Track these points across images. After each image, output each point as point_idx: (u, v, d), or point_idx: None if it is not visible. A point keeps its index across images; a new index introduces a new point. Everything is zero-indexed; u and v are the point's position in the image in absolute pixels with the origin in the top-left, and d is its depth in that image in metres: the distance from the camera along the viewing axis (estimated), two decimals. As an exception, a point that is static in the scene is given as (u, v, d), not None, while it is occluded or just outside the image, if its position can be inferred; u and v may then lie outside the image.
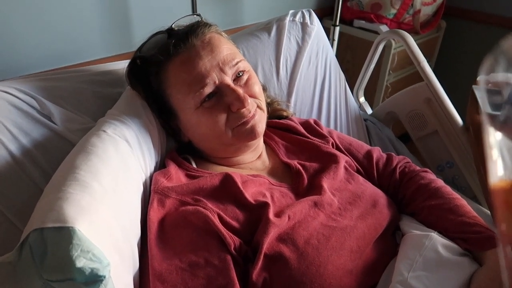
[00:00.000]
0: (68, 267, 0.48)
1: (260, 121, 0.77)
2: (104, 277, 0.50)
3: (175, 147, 0.87)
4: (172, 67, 0.74)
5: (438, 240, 0.66)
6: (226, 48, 0.75)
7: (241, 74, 0.76)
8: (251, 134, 0.75)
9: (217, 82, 0.72)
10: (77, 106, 0.83)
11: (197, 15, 0.81)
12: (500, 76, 0.21)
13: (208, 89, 0.72)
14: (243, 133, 0.75)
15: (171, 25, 0.78)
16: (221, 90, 0.73)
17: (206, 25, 0.77)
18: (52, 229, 0.49)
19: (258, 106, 0.77)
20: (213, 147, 0.81)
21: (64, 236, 0.49)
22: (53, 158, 0.75)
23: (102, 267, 0.50)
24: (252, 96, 0.76)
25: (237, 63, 0.74)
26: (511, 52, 0.22)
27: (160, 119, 0.83)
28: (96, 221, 0.54)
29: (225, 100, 0.73)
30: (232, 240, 0.62)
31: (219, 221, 0.63)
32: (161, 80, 0.76)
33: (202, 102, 0.72)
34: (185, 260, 0.60)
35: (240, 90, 0.72)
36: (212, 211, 0.64)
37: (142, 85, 0.80)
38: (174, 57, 0.73)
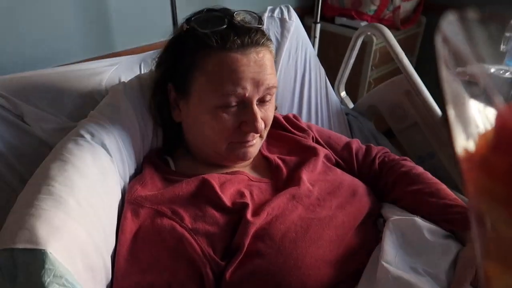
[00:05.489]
0: None
1: (255, 149, 0.77)
2: None
3: (157, 148, 0.85)
4: (217, 59, 0.69)
5: (422, 224, 0.67)
6: (270, 70, 0.73)
7: (267, 99, 0.74)
8: (243, 157, 0.76)
9: (246, 95, 0.70)
10: (51, 105, 0.82)
11: (254, 13, 0.76)
12: (476, 68, 0.21)
13: (236, 99, 0.70)
14: (235, 153, 0.75)
15: (233, 13, 0.73)
16: (244, 103, 0.71)
17: (264, 36, 0.73)
18: (23, 251, 0.48)
19: (260, 135, 0.76)
20: (201, 148, 0.79)
21: (36, 259, 0.47)
22: (26, 159, 0.74)
23: None
24: (265, 122, 0.74)
25: (270, 88, 0.73)
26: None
27: (163, 90, 0.78)
28: (69, 241, 0.53)
29: (241, 116, 0.71)
30: (207, 260, 0.61)
31: (194, 239, 0.62)
32: (197, 61, 0.71)
33: (222, 106, 0.70)
34: (148, 278, 0.60)
35: (259, 116, 0.71)
36: (188, 229, 0.63)
37: (175, 52, 0.75)
38: (227, 51, 0.69)
